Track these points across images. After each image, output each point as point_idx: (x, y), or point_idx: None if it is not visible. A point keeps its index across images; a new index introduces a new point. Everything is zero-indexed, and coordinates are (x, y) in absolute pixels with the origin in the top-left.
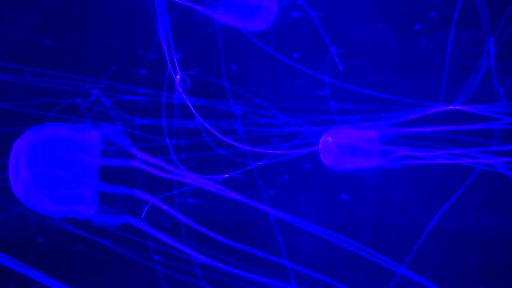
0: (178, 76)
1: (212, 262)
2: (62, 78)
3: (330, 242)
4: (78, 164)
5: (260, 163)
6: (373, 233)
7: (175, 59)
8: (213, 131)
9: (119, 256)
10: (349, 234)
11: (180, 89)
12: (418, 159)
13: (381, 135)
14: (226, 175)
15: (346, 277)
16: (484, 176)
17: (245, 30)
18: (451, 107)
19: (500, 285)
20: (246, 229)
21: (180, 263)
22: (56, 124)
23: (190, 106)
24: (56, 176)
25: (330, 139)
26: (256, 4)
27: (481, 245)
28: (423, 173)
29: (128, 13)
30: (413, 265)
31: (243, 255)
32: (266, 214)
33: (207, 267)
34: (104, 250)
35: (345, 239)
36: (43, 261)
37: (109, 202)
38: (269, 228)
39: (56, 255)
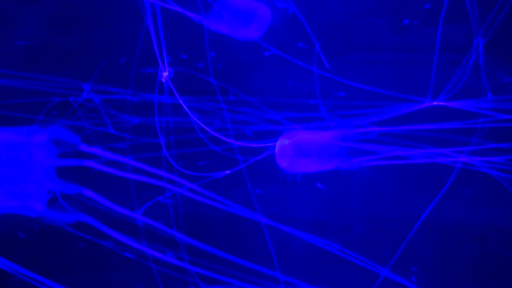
0: (166, 73)
1: (203, 260)
2: (46, 81)
3: (320, 238)
4: (28, 165)
5: (249, 161)
6: (365, 227)
7: (164, 57)
8: (206, 128)
9: (113, 254)
10: (341, 228)
11: (168, 82)
12: (401, 159)
13: (339, 137)
14: (228, 171)
15: (334, 275)
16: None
17: (238, 38)
18: (435, 103)
19: (493, 279)
20: (236, 224)
21: (173, 260)
22: (4, 128)
23: (182, 102)
24: (5, 176)
25: (286, 141)
26: (250, 13)
27: (475, 238)
28: (414, 166)
29: (116, 11)
30: (404, 260)
31: (233, 249)
32: (255, 209)
33: (198, 263)
34: (101, 249)
35: (335, 244)
36: (39, 259)
37: (63, 200)
38: (258, 224)
39: (52, 253)
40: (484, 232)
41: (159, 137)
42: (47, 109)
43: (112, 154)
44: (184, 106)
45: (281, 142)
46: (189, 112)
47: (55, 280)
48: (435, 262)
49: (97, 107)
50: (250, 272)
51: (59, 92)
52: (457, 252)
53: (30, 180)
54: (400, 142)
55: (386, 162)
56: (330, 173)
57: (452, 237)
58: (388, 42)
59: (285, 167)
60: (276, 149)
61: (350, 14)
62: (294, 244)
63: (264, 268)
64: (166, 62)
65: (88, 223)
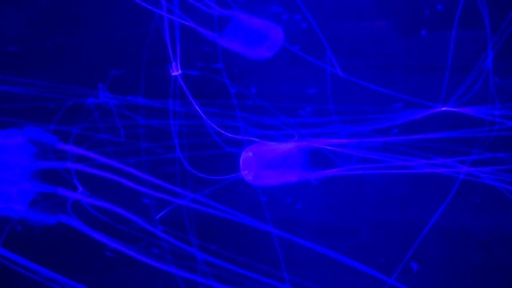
0: (178, 72)
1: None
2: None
3: (326, 241)
4: (7, 166)
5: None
6: (371, 231)
7: (178, 57)
8: (221, 130)
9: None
10: (349, 232)
11: (182, 84)
12: (405, 168)
13: (303, 149)
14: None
15: (340, 279)
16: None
17: (250, 57)
18: (444, 108)
19: (498, 284)
20: (245, 226)
21: (186, 260)
22: None
23: (195, 105)
24: None
25: (250, 153)
26: (262, 32)
27: (479, 244)
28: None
29: (126, 12)
30: (410, 264)
31: (241, 251)
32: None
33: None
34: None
35: (341, 250)
36: (61, 258)
37: (43, 201)
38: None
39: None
40: (488, 238)
41: (174, 140)
42: (61, 113)
43: (125, 159)
44: (198, 109)
45: (245, 155)
46: (203, 115)
47: (73, 279)
48: (440, 267)
49: (111, 110)
50: (257, 274)
51: (67, 98)
52: (461, 258)
53: (11, 182)
54: (405, 151)
55: (390, 171)
56: (337, 177)
57: (456, 243)
58: (398, 47)
59: (250, 180)
60: (241, 161)
61: (358, 18)
62: (301, 248)
63: (271, 277)
64: (178, 59)
65: (70, 224)
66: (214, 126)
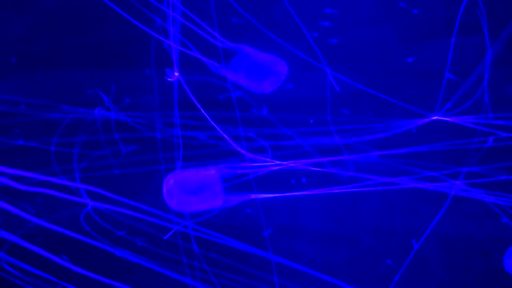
0: (174, 77)
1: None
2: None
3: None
4: None
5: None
6: (373, 238)
7: (176, 63)
8: (230, 141)
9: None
10: (350, 239)
11: (192, 97)
12: (393, 185)
13: (224, 174)
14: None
15: None
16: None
17: (253, 91)
18: (435, 117)
19: None
20: (241, 235)
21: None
22: None
23: (206, 115)
24: None
25: (171, 181)
26: (268, 67)
27: (482, 251)
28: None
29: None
30: (412, 271)
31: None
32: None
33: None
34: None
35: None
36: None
37: None
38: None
39: None
40: (490, 246)
41: (175, 152)
42: (62, 127)
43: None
44: (208, 117)
45: (167, 182)
46: (214, 124)
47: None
48: (440, 274)
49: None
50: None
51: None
52: (462, 265)
53: None
54: (394, 165)
55: (384, 188)
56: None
57: (458, 250)
58: (398, 54)
59: (173, 206)
60: (163, 190)
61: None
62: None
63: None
64: (176, 65)
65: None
66: (225, 135)
